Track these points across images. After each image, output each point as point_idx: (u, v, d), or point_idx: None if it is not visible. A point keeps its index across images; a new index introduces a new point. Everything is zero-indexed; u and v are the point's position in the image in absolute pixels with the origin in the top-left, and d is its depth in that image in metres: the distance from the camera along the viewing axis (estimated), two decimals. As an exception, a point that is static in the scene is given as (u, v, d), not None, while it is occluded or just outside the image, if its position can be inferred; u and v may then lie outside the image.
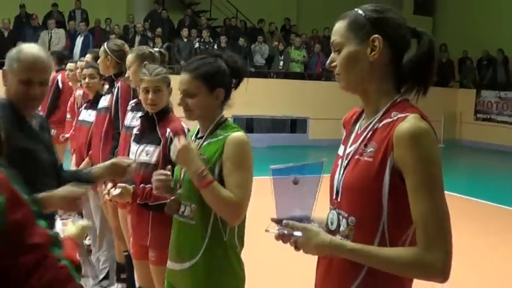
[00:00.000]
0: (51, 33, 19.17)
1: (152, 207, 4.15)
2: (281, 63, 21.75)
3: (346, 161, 2.37)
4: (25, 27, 19.76)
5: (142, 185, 4.17)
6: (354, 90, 2.39)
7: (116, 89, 5.55)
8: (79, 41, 19.28)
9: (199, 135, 3.35)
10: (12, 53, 3.34)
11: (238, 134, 3.20)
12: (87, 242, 7.37)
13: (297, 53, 21.58)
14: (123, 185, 4.10)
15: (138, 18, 21.79)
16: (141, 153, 4.33)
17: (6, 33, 19.25)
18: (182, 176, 3.27)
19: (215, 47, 20.11)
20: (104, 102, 5.75)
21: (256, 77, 20.71)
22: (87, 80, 6.35)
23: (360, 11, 2.34)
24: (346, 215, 2.32)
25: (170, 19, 22.38)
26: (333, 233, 2.35)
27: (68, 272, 1.95)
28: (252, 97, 19.20)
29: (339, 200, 2.37)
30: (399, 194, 2.19)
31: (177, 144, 3.08)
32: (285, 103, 20.63)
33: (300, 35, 22.45)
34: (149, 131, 4.36)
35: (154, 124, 4.34)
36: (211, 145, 3.21)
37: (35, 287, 1.83)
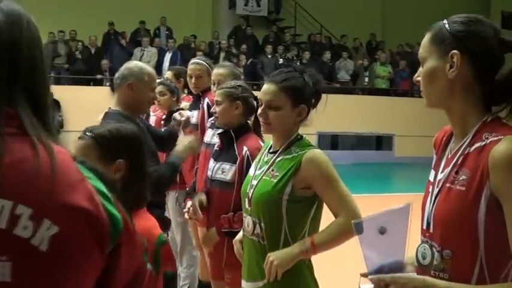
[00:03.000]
0: (143, 50, 19.46)
1: (229, 234, 4.06)
2: (366, 79, 21.51)
3: (437, 189, 2.16)
4: (113, 44, 20.15)
5: (223, 215, 4.10)
6: (437, 107, 2.20)
7: (206, 104, 5.48)
8: (167, 57, 19.53)
9: (271, 150, 3.22)
10: (136, 70, 4.15)
11: (316, 152, 3.09)
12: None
13: (382, 68, 21.32)
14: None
15: (223, 34, 21.95)
16: (217, 170, 4.23)
17: (93, 50, 19.66)
18: (251, 194, 3.15)
19: (298, 63, 20.05)
20: (192, 119, 5.65)
21: (341, 93, 20.56)
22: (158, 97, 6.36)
23: (446, 23, 2.14)
24: (440, 248, 2.11)
25: (254, 35, 22.47)
26: (425, 268, 2.15)
27: (153, 276, 2.01)
28: (337, 113, 19.12)
29: (430, 231, 2.16)
30: (497, 225, 1.98)
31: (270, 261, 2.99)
32: (371, 119, 20.40)
33: (385, 50, 22.18)
34: (227, 148, 4.24)
35: (232, 142, 4.23)
36: (286, 162, 3.06)
37: None
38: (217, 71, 5.03)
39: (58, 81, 19.55)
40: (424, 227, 2.20)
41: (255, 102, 4.19)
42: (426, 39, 2.17)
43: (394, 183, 17.91)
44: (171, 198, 6.11)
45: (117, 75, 4.22)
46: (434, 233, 2.14)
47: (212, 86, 4.99)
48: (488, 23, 2.12)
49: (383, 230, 2.11)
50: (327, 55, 21.17)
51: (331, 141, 20.63)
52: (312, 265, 3.14)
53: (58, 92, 17.44)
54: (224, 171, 4.18)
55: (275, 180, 3.03)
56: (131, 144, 2.62)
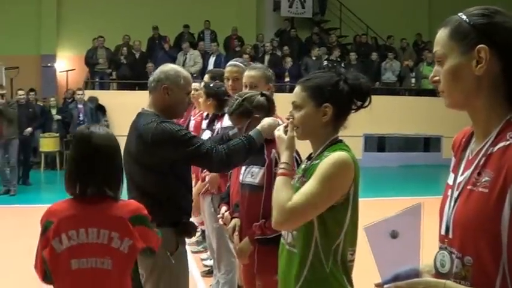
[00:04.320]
0: (186, 54, 19.54)
1: (261, 241, 4.01)
2: (413, 80, 21.26)
3: (457, 192, 2.04)
4: (157, 49, 20.26)
5: (255, 223, 4.03)
6: (460, 108, 2.09)
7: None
8: (211, 61, 19.58)
9: (310, 156, 3.11)
10: (171, 73, 4.16)
11: (338, 153, 2.87)
12: (209, 263, 7.34)
13: (429, 69, 21.02)
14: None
15: (268, 37, 21.93)
16: (247, 174, 4.19)
17: (137, 55, 19.80)
18: None
19: (343, 65, 19.93)
20: (228, 121, 5.58)
21: (388, 94, 20.38)
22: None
23: (464, 16, 2.01)
24: (461, 255, 1.99)
25: (299, 37, 22.38)
26: (445, 276, 2.01)
27: None
28: (384, 115, 18.97)
29: (450, 237, 2.04)
30: None
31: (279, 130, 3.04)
32: (418, 121, 20.18)
33: (432, 50, 21.88)
34: (257, 151, 4.16)
35: (262, 145, 4.15)
36: (314, 167, 2.91)
37: None
38: (248, 73, 4.90)
39: (103, 87, 19.73)
40: (443, 233, 2.08)
41: None
42: (443, 35, 2.05)
43: (442, 186, 17.64)
44: (206, 204, 6.07)
45: (152, 78, 4.21)
46: (454, 238, 2.03)
47: (243, 88, 4.88)
48: (508, 14, 2.00)
49: (395, 233, 2.00)
50: (373, 56, 21.00)
51: (378, 144, 20.46)
52: (343, 279, 2.99)
53: (103, 97, 17.69)
54: (253, 174, 4.14)
55: (302, 187, 2.92)
56: None
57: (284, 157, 2.96)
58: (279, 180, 2.88)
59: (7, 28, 20.74)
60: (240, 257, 4.22)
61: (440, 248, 2.08)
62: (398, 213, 2.01)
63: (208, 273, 7.28)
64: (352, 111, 3.03)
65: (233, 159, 4.02)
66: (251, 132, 4.08)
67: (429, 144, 21.31)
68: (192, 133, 4.26)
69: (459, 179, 2.06)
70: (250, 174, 4.17)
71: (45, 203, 13.92)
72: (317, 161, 2.91)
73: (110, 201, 3.11)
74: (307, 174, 2.94)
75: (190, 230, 4.25)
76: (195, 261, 7.89)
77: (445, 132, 20.54)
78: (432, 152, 21.08)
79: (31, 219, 11.82)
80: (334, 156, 2.84)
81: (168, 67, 4.24)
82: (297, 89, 3.02)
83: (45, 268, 3.07)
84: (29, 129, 15.02)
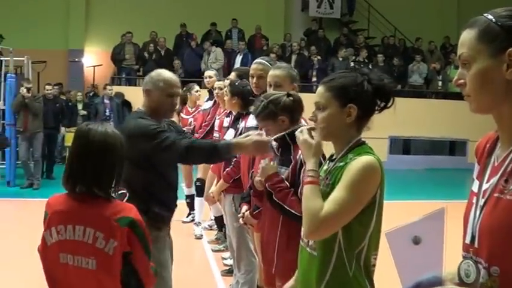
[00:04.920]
0: (209, 52, 19.56)
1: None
2: (440, 83, 21.11)
3: (483, 200, 1.95)
4: (184, 46, 20.30)
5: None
6: (486, 112, 2.00)
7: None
8: (238, 59, 19.57)
9: (332, 158, 3.04)
10: (153, 76, 4.42)
11: (364, 158, 2.81)
12: (229, 262, 7.31)
13: (456, 72, 20.88)
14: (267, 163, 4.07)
15: (295, 37, 21.88)
16: None
17: (163, 52, 19.84)
18: None
19: (370, 66, 19.86)
20: (253, 121, 5.53)
21: (414, 97, 20.27)
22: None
23: (492, 17, 1.94)
24: (487, 265, 1.90)
25: (327, 38, 22.30)
26: (470, 286, 1.93)
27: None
28: (410, 117, 18.85)
29: (475, 246, 1.95)
30: None
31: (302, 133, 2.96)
32: (444, 124, 20.05)
33: (460, 54, 21.73)
34: (284, 152, 4.16)
35: (289, 146, 4.11)
36: (337, 170, 2.86)
37: None
38: (273, 73, 4.84)
39: (130, 82, 19.77)
40: (468, 242, 1.99)
41: None
42: (470, 36, 1.96)
43: (467, 190, 17.49)
44: (227, 203, 6.04)
45: (143, 81, 4.59)
46: (480, 248, 1.93)
47: (268, 87, 4.83)
48: None
49: (417, 239, 1.93)
50: (400, 58, 20.87)
51: (403, 146, 20.35)
52: (366, 284, 2.93)
53: (130, 92, 17.71)
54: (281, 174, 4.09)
55: (328, 189, 2.84)
56: None
57: (311, 164, 2.88)
58: (307, 189, 2.81)
59: (35, 22, 20.86)
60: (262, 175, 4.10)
61: (465, 258, 1.99)
62: (421, 218, 1.94)
63: (228, 272, 7.25)
64: (376, 112, 2.97)
65: (192, 156, 4.26)
66: (223, 142, 4.39)
67: (455, 148, 21.16)
68: (163, 128, 4.37)
69: (484, 186, 1.98)
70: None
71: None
72: (341, 163, 2.85)
73: (101, 201, 3.07)
74: (331, 176, 2.89)
75: (159, 220, 4.42)
76: (216, 260, 7.87)
77: (470, 136, 20.37)
78: (458, 156, 20.92)
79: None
80: (361, 161, 2.78)
81: (156, 71, 4.53)
82: (321, 89, 2.95)
83: None
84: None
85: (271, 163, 4.06)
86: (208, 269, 7.50)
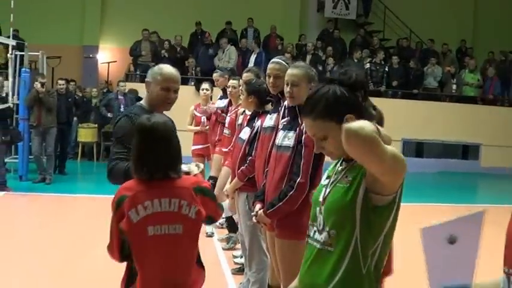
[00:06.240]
0: (223, 51, 19.56)
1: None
2: (454, 86, 21.03)
3: None
4: (198, 44, 20.31)
5: None
6: None
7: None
8: (252, 58, 19.56)
9: (349, 158, 3.00)
10: (154, 70, 4.60)
11: None
12: (240, 260, 7.30)
13: (471, 76, 20.81)
14: None
15: (310, 37, 21.85)
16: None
17: (178, 49, 19.84)
18: (323, 201, 2.97)
19: (386, 68, 19.79)
20: (270, 121, 5.52)
21: (428, 99, 20.21)
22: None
23: None
24: None
25: (342, 39, 22.26)
26: None
27: None
28: (423, 120, 18.79)
29: None
30: None
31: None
32: (457, 128, 20.01)
33: (475, 57, 21.64)
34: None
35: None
36: (357, 165, 2.81)
37: None
38: (290, 72, 4.84)
39: (143, 79, 19.78)
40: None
41: None
42: None
43: (479, 194, 17.43)
44: (241, 201, 6.03)
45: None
46: None
47: (285, 86, 4.82)
48: None
49: (453, 239, 1.88)
50: (416, 61, 20.81)
51: (416, 149, 20.27)
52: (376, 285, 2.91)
53: (143, 89, 17.74)
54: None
55: (347, 185, 2.81)
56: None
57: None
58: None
59: (50, 17, 20.94)
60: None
61: (508, 274, 1.86)
62: (459, 217, 1.88)
63: (239, 270, 7.24)
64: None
65: (111, 177, 4.36)
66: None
67: (468, 151, 21.08)
68: (122, 141, 4.42)
69: None
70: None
71: (79, 192, 14.07)
72: None
73: (174, 177, 3.55)
74: (350, 173, 2.85)
75: None
76: (226, 258, 7.86)
77: (484, 140, 20.34)
78: (470, 160, 20.85)
79: (65, 208, 11.92)
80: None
81: (158, 65, 4.75)
82: (308, 122, 2.88)
83: (123, 243, 3.49)
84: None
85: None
86: (219, 267, 7.49)
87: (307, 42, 21.24)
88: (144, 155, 3.54)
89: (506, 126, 20.02)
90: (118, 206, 3.48)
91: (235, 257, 7.73)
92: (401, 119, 17.33)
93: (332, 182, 2.94)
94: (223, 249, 8.26)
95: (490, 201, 12.75)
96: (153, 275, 3.48)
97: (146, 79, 4.62)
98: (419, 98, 20.29)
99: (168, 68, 4.67)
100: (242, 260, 7.05)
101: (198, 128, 9.99)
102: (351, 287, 2.82)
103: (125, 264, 3.65)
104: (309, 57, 19.88)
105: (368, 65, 19.76)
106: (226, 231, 8.80)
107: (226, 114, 8.59)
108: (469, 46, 23.23)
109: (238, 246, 7.64)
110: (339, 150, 2.82)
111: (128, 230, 3.44)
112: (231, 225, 8.21)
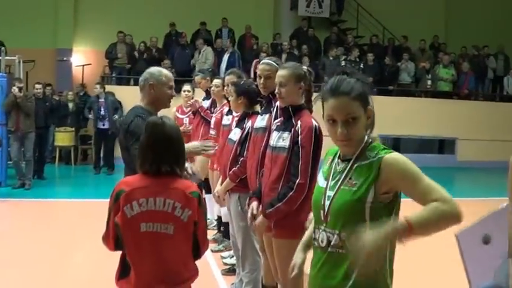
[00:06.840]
0: (199, 51, 19.53)
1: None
2: (429, 81, 21.19)
3: None
4: (173, 45, 20.26)
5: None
6: None
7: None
8: (225, 58, 19.58)
9: (344, 158, 3.03)
10: (155, 72, 5.09)
11: (393, 154, 2.88)
12: (231, 261, 7.30)
13: (445, 71, 20.97)
14: None
15: (285, 36, 21.90)
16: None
17: (154, 50, 19.79)
18: (328, 206, 2.97)
19: (361, 65, 19.88)
20: (262, 122, 5.52)
21: (403, 95, 20.37)
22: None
23: None
24: None
25: (316, 37, 22.32)
26: None
27: None
28: (399, 116, 18.89)
29: None
30: None
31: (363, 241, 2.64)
32: (433, 123, 20.19)
33: (449, 53, 21.82)
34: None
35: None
36: (364, 168, 2.86)
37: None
38: (278, 73, 4.88)
39: (120, 82, 19.68)
40: None
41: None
42: None
43: (456, 188, 17.58)
44: (233, 202, 6.02)
45: (141, 78, 5.14)
46: None
47: (277, 87, 4.84)
48: None
49: (487, 238, 1.90)
50: (389, 57, 20.96)
51: (393, 145, 20.37)
52: (389, 282, 2.92)
53: (120, 92, 17.64)
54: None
55: (355, 189, 2.85)
56: None
57: (388, 231, 2.66)
58: (419, 225, 2.66)
59: (24, 21, 20.74)
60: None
61: None
62: (489, 214, 1.90)
63: (229, 271, 7.25)
64: None
65: None
66: None
67: (444, 146, 21.28)
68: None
69: None
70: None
71: (59, 197, 13.94)
72: (365, 162, 2.88)
73: (175, 177, 3.69)
74: (356, 175, 2.89)
75: None
76: (215, 260, 7.86)
77: (460, 135, 20.52)
78: (447, 154, 21.05)
79: (45, 213, 11.81)
80: (397, 157, 2.89)
81: (153, 68, 5.23)
82: (346, 100, 2.85)
83: (117, 234, 3.61)
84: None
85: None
86: (208, 269, 7.47)
87: (282, 41, 21.29)
88: (153, 148, 3.69)
89: (481, 120, 20.17)
90: (116, 199, 3.62)
91: (223, 257, 7.73)
92: (378, 115, 17.19)
93: (334, 185, 2.95)
94: (212, 251, 8.24)
95: (467, 195, 12.85)
96: (146, 270, 3.60)
97: (148, 82, 5.04)
98: (394, 94, 20.43)
99: (164, 70, 5.26)
100: (232, 261, 7.04)
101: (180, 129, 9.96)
102: (368, 287, 2.84)
103: (106, 270, 3.80)
104: (284, 56, 19.87)
105: (343, 63, 19.82)
106: (214, 232, 8.82)
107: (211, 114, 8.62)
108: (441, 42, 23.40)
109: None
110: (357, 136, 2.90)
111: (122, 224, 3.57)
112: (228, 232, 8.18)
